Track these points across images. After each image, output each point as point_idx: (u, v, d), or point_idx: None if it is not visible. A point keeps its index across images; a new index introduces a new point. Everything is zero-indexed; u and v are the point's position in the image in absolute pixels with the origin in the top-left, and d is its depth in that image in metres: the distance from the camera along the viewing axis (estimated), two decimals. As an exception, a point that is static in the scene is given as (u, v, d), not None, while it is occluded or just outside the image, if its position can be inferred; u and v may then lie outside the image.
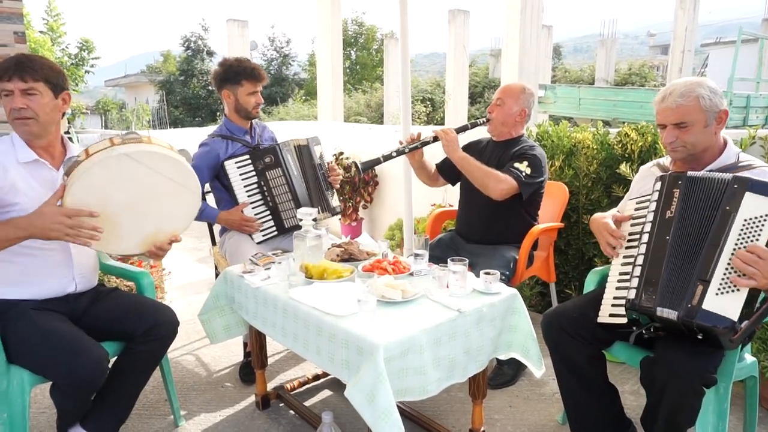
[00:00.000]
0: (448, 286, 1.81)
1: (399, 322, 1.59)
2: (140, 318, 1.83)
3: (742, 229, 1.43)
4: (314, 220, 2.62)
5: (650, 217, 1.62)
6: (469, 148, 2.69)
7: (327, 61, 10.22)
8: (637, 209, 1.74)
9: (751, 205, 1.43)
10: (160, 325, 1.84)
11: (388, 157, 2.45)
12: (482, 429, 1.98)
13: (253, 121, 2.66)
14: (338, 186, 2.78)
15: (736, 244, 1.43)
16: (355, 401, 1.45)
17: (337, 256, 2.11)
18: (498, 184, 2.31)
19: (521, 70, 7.03)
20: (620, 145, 2.92)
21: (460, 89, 12.48)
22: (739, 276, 1.40)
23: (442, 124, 12.90)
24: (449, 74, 12.34)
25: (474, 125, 2.54)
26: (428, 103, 16.23)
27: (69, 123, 14.95)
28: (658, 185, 1.64)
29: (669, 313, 1.47)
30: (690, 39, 12.84)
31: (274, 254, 2.22)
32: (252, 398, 2.32)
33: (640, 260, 1.58)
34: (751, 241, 1.42)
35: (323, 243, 2.28)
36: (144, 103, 20.16)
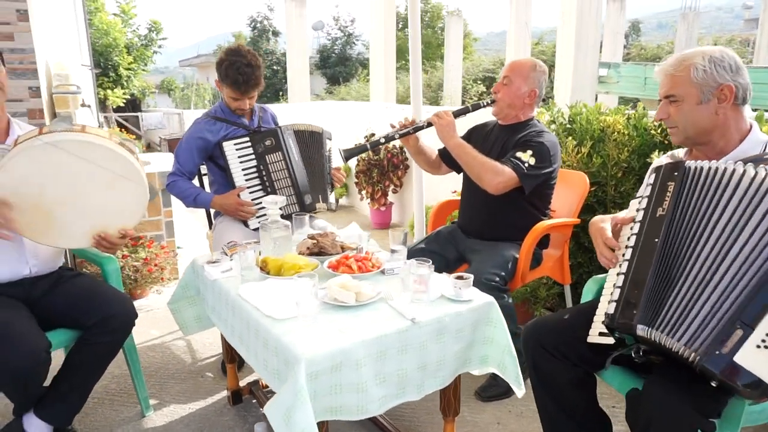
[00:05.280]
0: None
1: (338, 332, 1.40)
2: (92, 308, 1.76)
3: None
4: (314, 210, 2.49)
5: (640, 216, 1.34)
6: (475, 132, 2.43)
7: (380, 40, 9.99)
8: (638, 209, 1.44)
9: None
10: (112, 318, 1.76)
11: (375, 144, 2.25)
12: (454, 449, 1.77)
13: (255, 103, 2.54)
14: (339, 186, 2.61)
15: None
16: (272, 419, 1.29)
17: (308, 249, 1.94)
18: (495, 177, 2.05)
19: (578, 46, 6.48)
20: (660, 131, 2.54)
21: (520, 68, 11.85)
22: None
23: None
24: (509, 52, 11.74)
25: (476, 107, 2.27)
26: (488, 82, 15.62)
27: (139, 100, 15.68)
28: (652, 178, 1.36)
29: (661, 338, 1.20)
30: (786, 10, 11.44)
31: (247, 244, 2.09)
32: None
33: (625, 267, 1.31)
34: None
35: (303, 233, 2.14)
36: (206, 81, 20.82)
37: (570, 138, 2.74)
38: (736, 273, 1.17)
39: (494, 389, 2.16)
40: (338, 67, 24.06)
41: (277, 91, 22.72)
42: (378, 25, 9.93)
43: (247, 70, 2.25)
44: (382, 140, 2.24)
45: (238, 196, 2.36)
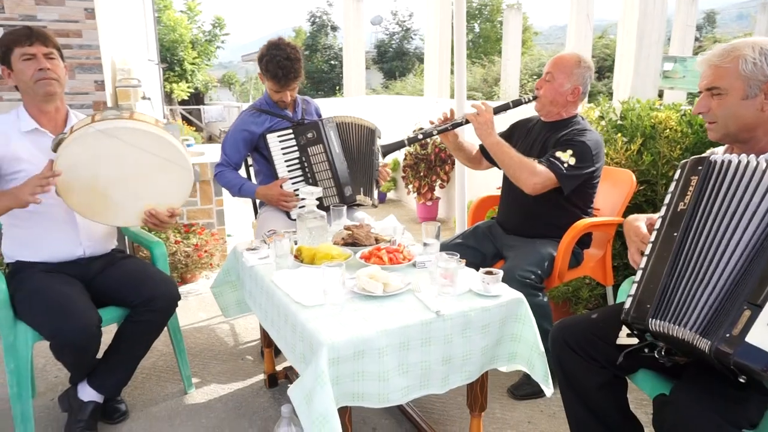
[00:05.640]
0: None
1: (362, 320, 1.43)
2: (139, 288, 1.87)
3: None
4: (354, 202, 2.54)
5: (663, 211, 1.30)
6: (517, 127, 2.40)
7: (434, 34, 9.93)
8: (663, 205, 1.40)
9: None
10: (157, 299, 1.87)
11: (413, 140, 2.26)
12: (480, 444, 1.77)
13: (297, 96, 2.61)
14: (384, 183, 2.66)
15: None
16: (294, 401, 1.34)
17: (342, 239, 1.99)
18: (531, 177, 2.01)
19: (640, 40, 6.20)
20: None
21: (581, 62, 11.42)
22: None
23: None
24: (569, 46, 11.32)
25: (517, 104, 2.24)
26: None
27: (202, 94, 16.33)
28: (677, 173, 1.31)
29: (669, 328, 1.18)
30: None
31: (285, 232, 2.15)
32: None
33: (644, 262, 1.28)
34: None
35: (340, 224, 2.18)
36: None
37: (619, 135, 2.65)
38: (746, 260, 1.14)
39: (527, 388, 2.13)
40: (395, 61, 24.10)
41: (334, 85, 23.04)
42: (432, 19, 9.87)
43: (286, 63, 2.31)
44: (420, 136, 2.24)
45: (281, 187, 2.44)
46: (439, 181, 4.80)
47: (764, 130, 1.30)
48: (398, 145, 2.24)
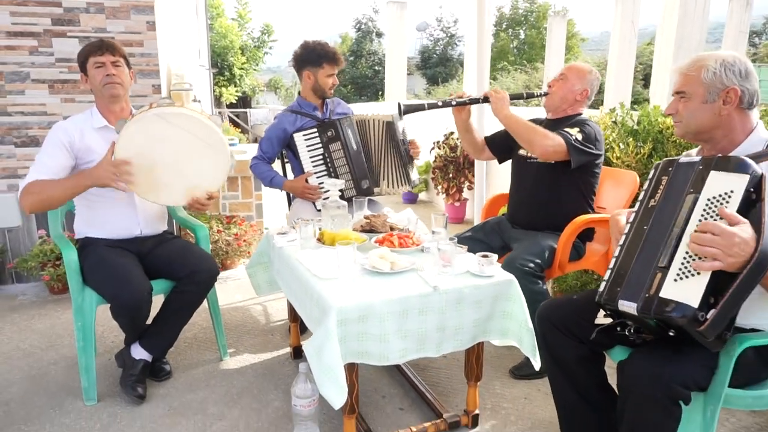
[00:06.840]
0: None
1: (369, 291, 1.66)
2: (184, 264, 2.17)
3: (704, 210, 1.29)
4: (371, 194, 2.77)
5: (637, 206, 1.48)
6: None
7: (473, 40, 10.08)
8: (637, 201, 1.58)
9: (714, 183, 1.29)
10: (198, 273, 2.16)
11: (432, 106, 2.42)
12: (476, 412, 1.97)
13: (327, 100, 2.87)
14: (419, 159, 2.90)
15: (697, 226, 1.28)
16: (308, 354, 1.59)
17: (361, 227, 2.23)
18: (544, 139, 2.19)
19: (679, 47, 6.19)
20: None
21: (624, 69, 11.29)
22: (700, 260, 1.24)
23: (595, 107, 11.83)
24: (612, 54, 11.19)
25: (530, 96, 2.44)
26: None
27: (249, 97, 16.98)
28: (651, 173, 1.50)
29: (629, 306, 1.34)
30: None
31: (311, 220, 2.41)
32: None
33: (617, 251, 1.46)
34: (713, 220, 1.27)
35: (361, 214, 2.42)
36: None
37: (631, 139, 2.79)
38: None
39: (527, 369, 2.31)
40: (438, 67, 24.29)
41: (377, 90, 23.42)
42: (473, 25, 10.00)
43: (331, 46, 2.69)
44: (440, 104, 2.42)
45: (306, 181, 2.70)
46: (467, 183, 4.99)
47: (722, 132, 1.47)
48: (418, 107, 2.44)
